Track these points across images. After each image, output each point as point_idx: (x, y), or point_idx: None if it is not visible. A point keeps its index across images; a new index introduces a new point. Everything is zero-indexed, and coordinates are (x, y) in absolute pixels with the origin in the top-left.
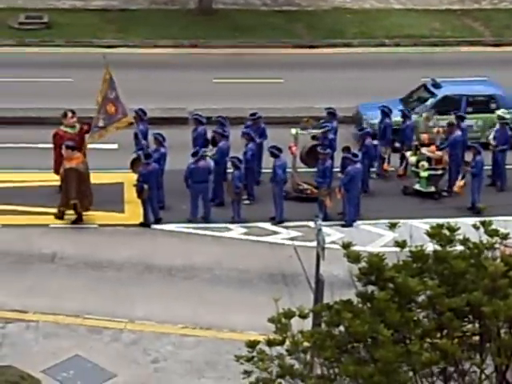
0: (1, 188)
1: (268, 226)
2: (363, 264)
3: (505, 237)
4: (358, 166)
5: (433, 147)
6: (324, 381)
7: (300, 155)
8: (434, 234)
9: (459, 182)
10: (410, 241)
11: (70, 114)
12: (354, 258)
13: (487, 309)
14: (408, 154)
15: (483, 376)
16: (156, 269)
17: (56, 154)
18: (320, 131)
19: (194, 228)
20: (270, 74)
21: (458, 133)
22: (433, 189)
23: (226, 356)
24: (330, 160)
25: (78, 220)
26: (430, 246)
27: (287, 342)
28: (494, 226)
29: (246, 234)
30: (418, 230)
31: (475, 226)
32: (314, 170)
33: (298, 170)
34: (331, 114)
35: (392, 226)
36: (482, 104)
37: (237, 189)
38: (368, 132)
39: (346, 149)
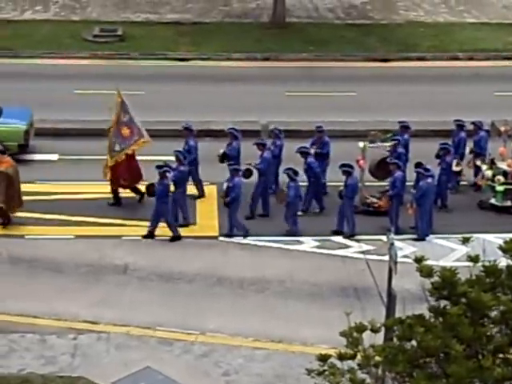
0: (75, 199)
1: (340, 239)
2: (436, 278)
3: None
4: (430, 180)
5: (510, 161)
6: None
7: (369, 168)
8: (508, 248)
9: None
10: (483, 255)
11: None
12: (427, 272)
13: None
14: (484, 167)
15: None
16: (227, 281)
17: None
18: (387, 144)
19: (265, 241)
20: (343, 88)
21: None
22: (509, 203)
23: (296, 369)
24: (400, 171)
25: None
26: (504, 261)
27: (358, 356)
28: None
29: (317, 247)
30: (491, 244)
31: None
32: (384, 183)
33: (366, 183)
34: (404, 127)
35: (465, 241)
36: None
37: (289, 198)
38: (447, 148)
39: (419, 164)
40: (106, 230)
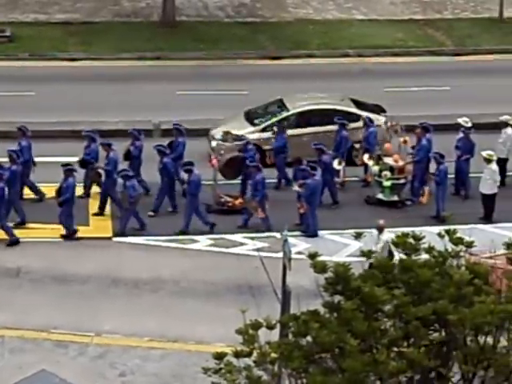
0: None
1: (235, 237)
2: (329, 274)
3: (470, 245)
4: (317, 177)
5: (396, 156)
6: None
7: (219, 167)
8: (400, 242)
9: (425, 191)
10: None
11: None
12: (321, 268)
13: (453, 317)
14: (371, 163)
15: None
16: (122, 282)
17: None
18: (241, 143)
19: (160, 240)
20: (235, 86)
21: (425, 143)
22: (396, 198)
23: (193, 368)
24: (260, 173)
25: None
26: (396, 255)
27: (255, 354)
28: (458, 235)
29: (212, 245)
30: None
31: (440, 235)
32: (233, 182)
33: (219, 182)
34: (281, 127)
35: (357, 236)
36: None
37: (131, 198)
38: (321, 148)
39: (298, 161)
40: None
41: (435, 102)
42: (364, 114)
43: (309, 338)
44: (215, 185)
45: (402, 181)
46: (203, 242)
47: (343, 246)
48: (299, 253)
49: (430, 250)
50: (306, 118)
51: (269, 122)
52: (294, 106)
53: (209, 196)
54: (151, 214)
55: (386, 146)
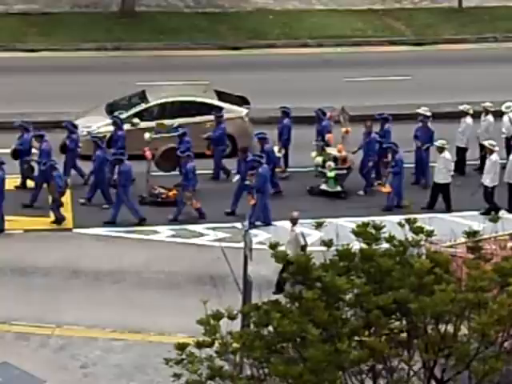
0: None
1: (196, 227)
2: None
3: (430, 234)
4: (266, 166)
5: (340, 146)
6: (254, 381)
7: (154, 160)
8: (360, 232)
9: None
10: (337, 240)
11: None
12: (282, 258)
13: (414, 306)
14: (313, 154)
15: (411, 372)
16: (83, 273)
17: None
18: (173, 134)
19: (120, 231)
20: (195, 76)
21: (374, 134)
22: (339, 188)
23: (155, 359)
24: (192, 162)
25: None
26: (357, 245)
27: (216, 344)
28: (418, 224)
29: (173, 236)
30: (344, 228)
31: (401, 224)
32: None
33: (153, 173)
34: (285, 112)
35: (318, 226)
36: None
37: (59, 188)
38: (264, 137)
39: (244, 150)
40: None
41: (396, 92)
42: (225, 105)
43: (270, 328)
44: (149, 176)
45: (344, 171)
46: (164, 232)
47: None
48: (260, 243)
49: (390, 239)
50: (166, 110)
51: (127, 114)
52: (154, 97)
53: (143, 187)
54: (82, 201)
55: (328, 136)
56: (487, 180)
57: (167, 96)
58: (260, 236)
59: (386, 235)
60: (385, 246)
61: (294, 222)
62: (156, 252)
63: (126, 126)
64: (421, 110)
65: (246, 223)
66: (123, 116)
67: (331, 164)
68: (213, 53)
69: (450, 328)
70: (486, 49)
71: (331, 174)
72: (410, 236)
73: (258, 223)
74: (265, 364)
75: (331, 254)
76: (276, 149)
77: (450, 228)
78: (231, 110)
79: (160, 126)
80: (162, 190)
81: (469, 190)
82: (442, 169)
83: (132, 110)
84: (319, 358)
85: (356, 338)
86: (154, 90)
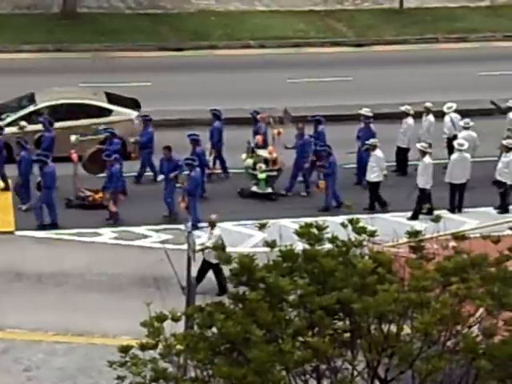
0: None
1: (139, 229)
2: (234, 265)
3: (372, 234)
4: (198, 169)
5: (270, 148)
6: (198, 383)
7: (82, 162)
8: (303, 233)
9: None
10: (280, 240)
11: None
12: (225, 259)
13: (357, 306)
14: (243, 156)
15: (355, 372)
16: (25, 276)
17: None
18: (100, 136)
19: (63, 234)
20: (138, 78)
21: (307, 136)
22: (270, 190)
23: (98, 362)
24: (117, 165)
25: None
26: (300, 245)
27: (160, 346)
28: (361, 224)
29: (116, 238)
30: (287, 229)
31: (343, 224)
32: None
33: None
34: (215, 115)
35: (261, 227)
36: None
37: None
38: (196, 139)
39: (167, 148)
40: None
41: (338, 93)
42: (115, 108)
43: (214, 330)
44: (75, 179)
45: (275, 172)
46: (107, 234)
47: (247, 237)
48: (203, 244)
49: (333, 239)
50: (54, 113)
51: (14, 117)
52: (42, 100)
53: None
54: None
55: (258, 138)
56: (421, 182)
57: (57, 98)
58: (203, 238)
59: (329, 236)
60: (328, 246)
61: (213, 224)
62: (99, 254)
63: (14, 129)
64: (363, 111)
65: (189, 225)
66: (10, 119)
67: (262, 166)
68: (154, 54)
69: (393, 328)
70: (427, 49)
71: (262, 175)
72: (353, 236)
73: (201, 225)
74: (209, 366)
75: (275, 255)
76: (208, 152)
77: (392, 228)
78: (121, 113)
79: (86, 129)
80: (89, 193)
81: (407, 191)
82: (374, 167)
83: (20, 112)
84: (263, 359)
85: (300, 338)
86: (43, 93)
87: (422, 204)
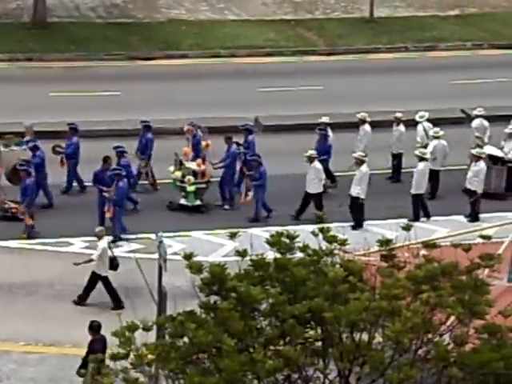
0: None
1: (110, 239)
2: (205, 274)
3: (343, 243)
4: (125, 180)
5: (199, 160)
6: None
7: (5, 173)
8: (274, 242)
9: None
10: (251, 250)
11: None
12: (196, 268)
13: (328, 314)
14: (171, 168)
15: (327, 381)
16: None
17: None
18: (23, 147)
19: (34, 244)
20: (107, 87)
21: (234, 146)
22: (199, 202)
23: (69, 372)
24: (31, 178)
25: None
26: (271, 254)
27: (131, 356)
28: (332, 233)
29: (87, 248)
30: (258, 238)
31: (314, 233)
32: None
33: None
34: (146, 126)
35: (232, 236)
36: None
37: None
38: (122, 150)
39: (106, 161)
40: None
41: (309, 102)
42: None
43: (186, 339)
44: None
45: (203, 185)
46: (77, 244)
47: (218, 246)
48: (175, 253)
49: (304, 248)
50: None
51: None
52: None
53: None
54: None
55: (185, 150)
56: (356, 191)
57: None
58: (174, 247)
59: (300, 244)
60: (299, 255)
61: (99, 236)
62: (69, 264)
63: None
64: (324, 119)
65: (160, 234)
66: None
67: (191, 178)
68: (125, 63)
69: (365, 336)
70: (397, 58)
71: (191, 188)
72: (324, 245)
73: (126, 236)
74: (180, 375)
75: (246, 264)
76: (143, 163)
77: (363, 237)
78: None
79: (9, 140)
80: (12, 205)
81: (377, 200)
82: (313, 179)
83: None
84: (235, 369)
85: (271, 347)
86: None
87: (359, 212)
